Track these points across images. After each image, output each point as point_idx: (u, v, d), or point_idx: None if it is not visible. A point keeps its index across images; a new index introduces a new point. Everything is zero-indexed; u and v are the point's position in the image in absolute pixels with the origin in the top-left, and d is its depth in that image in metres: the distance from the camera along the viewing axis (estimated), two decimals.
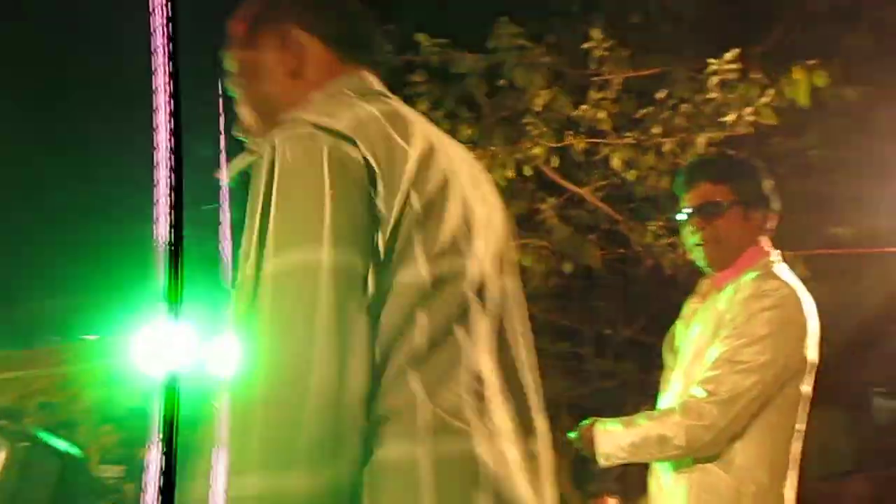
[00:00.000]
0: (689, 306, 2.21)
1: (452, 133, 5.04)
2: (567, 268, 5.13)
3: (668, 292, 5.45)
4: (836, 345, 6.48)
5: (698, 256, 2.10)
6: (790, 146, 5.22)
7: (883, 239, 5.08)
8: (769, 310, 1.94)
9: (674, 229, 5.05)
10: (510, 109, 5.04)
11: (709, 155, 2.75)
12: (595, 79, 4.67)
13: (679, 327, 2.23)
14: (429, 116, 5.07)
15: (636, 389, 6.56)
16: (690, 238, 2.10)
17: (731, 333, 1.95)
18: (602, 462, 2.04)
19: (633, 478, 6.16)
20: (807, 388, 2.03)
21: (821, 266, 5.57)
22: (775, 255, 2.08)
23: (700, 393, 1.94)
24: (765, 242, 2.10)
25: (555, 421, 5.25)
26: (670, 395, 2.13)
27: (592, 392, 6.33)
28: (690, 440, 1.91)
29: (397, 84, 5.25)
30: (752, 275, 2.01)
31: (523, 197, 5.41)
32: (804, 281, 5.19)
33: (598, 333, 6.09)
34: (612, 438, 2.00)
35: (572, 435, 2.10)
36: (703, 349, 2.03)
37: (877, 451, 8.57)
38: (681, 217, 2.13)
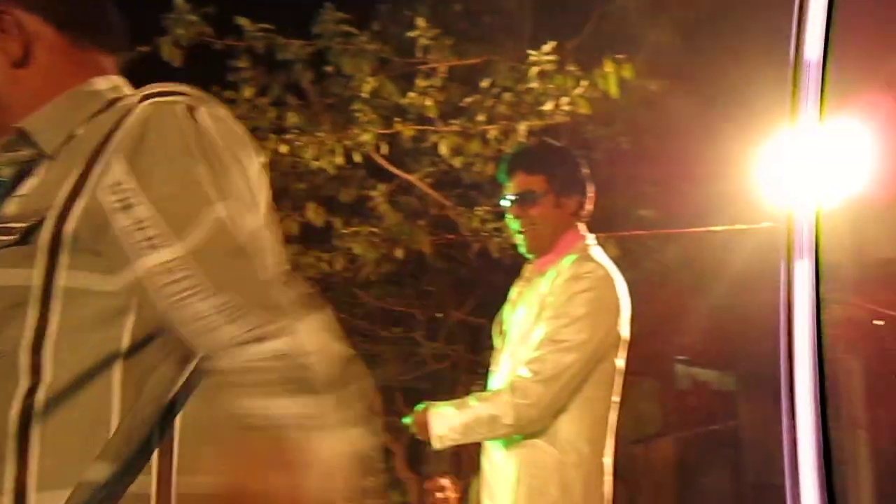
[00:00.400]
0: (515, 290, 2.28)
1: (279, 120, 4.93)
2: (398, 254, 5.17)
3: (496, 275, 5.67)
4: (643, 319, 7.05)
5: (520, 243, 2.18)
6: (601, 134, 5.57)
7: (684, 220, 5.55)
8: (586, 291, 2.04)
9: (500, 214, 5.24)
10: (337, 96, 4.99)
11: (526, 146, 2.87)
12: (421, 67, 4.73)
13: (506, 310, 2.30)
14: (255, 104, 4.96)
15: (467, 370, 6.77)
16: (512, 225, 2.19)
17: (552, 315, 2.04)
18: (436, 444, 2.06)
19: (466, 458, 6.36)
20: (621, 362, 2.17)
21: (630, 246, 6.02)
22: (591, 238, 2.17)
23: (526, 373, 2.02)
24: (581, 227, 2.19)
25: (390, 405, 5.28)
26: (500, 375, 2.20)
27: (426, 374, 6.45)
28: (518, 418, 1.98)
29: (220, 70, 5.04)
30: (570, 258, 2.12)
31: (353, 184, 5.39)
32: (615, 261, 5.57)
33: (430, 317, 6.20)
34: (445, 420, 2.04)
35: (407, 420, 2.13)
36: (528, 331, 2.11)
37: (679, 414, 9.42)
38: (504, 204, 2.21)
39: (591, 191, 2.21)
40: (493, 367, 2.27)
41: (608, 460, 2.14)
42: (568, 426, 2.04)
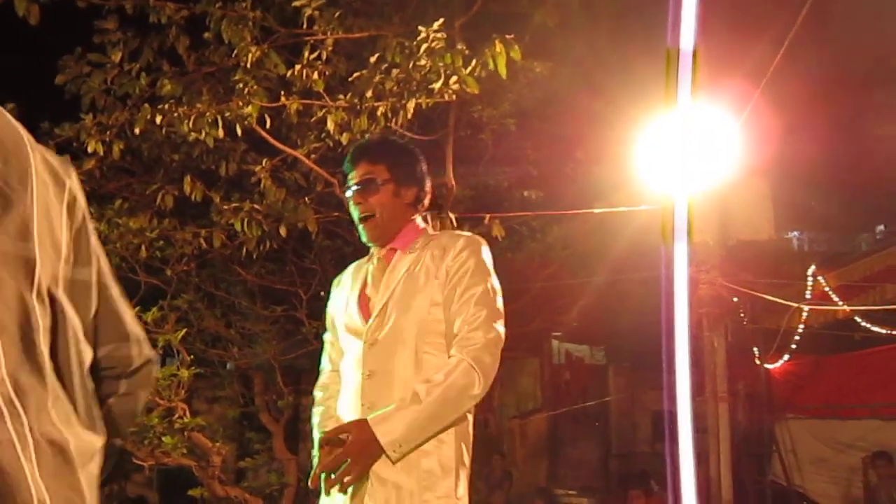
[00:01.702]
0: (359, 276, 2.30)
1: (153, 87, 4.63)
2: (282, 231, 5.01)
3: None
4: (527, 298, 7.24)
5: (361, 231, 2.25)
6: (489, 115, 5.60)
7: (566, 201, 5.70)
8: (474, 253, 2.16)
9: None
10: (217, 66, 4.74)
11: (370, 138, 2.94)
12: (308, 39, 4.56)
13: (343, 309, 2.30)
14: (124, 69, 4.63)
15: None
16: (354, 213, 2.25)
17: (460, 281, 2.13)
18: (395, 454, 1.98)
19: None
20: None
21: (514, 226, 6.14)
22: (430, 230, 2.29)
23: (468, 337, 2.09)
24: (420, 221, 2.29)
25: (270, 384, 5.10)
26: (370, 357, 2.17)
27: (307, 353, 6.33)
28: (487, 377, 2.10)
29: (84, 31, 4.66)
30: (428, 238, 2.23)
31: (234, 158, 5.17)
32: (500, 240, 5.64)
33: (314, 295, 6.08)
34: (397, 424, 1.98)
35: (318, 456, 2.03)
36: (411, 306, 2.14)
37: (555, 390, 9.78)
38: (348, 194, 2.26)
39: (429, 186, 2.31)
40: (364, 344, 2.16)
41: None
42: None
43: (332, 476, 1.96)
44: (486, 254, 2.18)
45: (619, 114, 5.28)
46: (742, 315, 6.00)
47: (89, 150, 4.49)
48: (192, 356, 5.39)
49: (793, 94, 4.59)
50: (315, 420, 2.22)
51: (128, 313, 1.23)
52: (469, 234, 2.25)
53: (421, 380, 2.03)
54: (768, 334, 6.12)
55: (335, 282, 2.36)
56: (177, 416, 5.04)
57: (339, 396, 2.18)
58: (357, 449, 1.94)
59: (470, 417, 2.17)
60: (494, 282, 2.16)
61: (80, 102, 4.71)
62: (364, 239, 2.25)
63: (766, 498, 6.21)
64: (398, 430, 1.95)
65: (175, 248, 5.23)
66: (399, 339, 2.10)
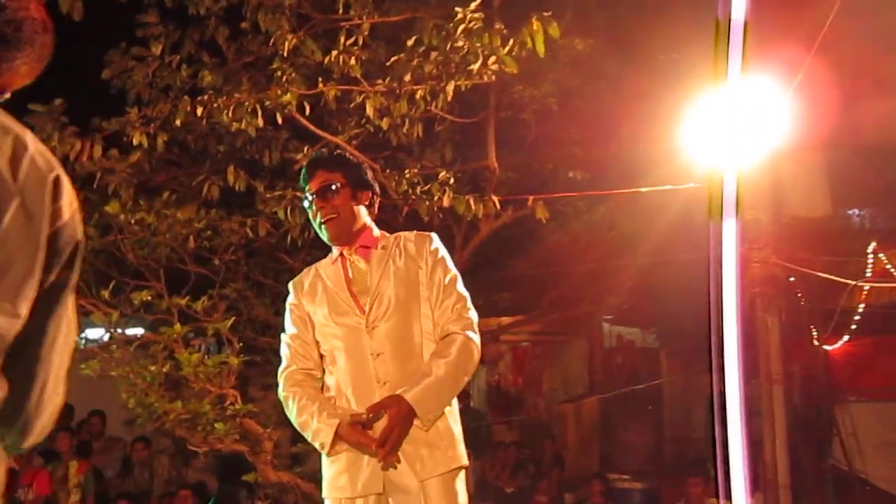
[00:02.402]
0: (350, 262, 2.55)
1: (194, 80, 4.68)
2: None
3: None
4: (572, 280, 7.14)
5: (324, 234, 2.49)
6: (531, 95, 5.50)
7: (611, 181, 5.57)
8: (438, 248, 2.51)
9: (429, 177, 5.15)
10: (256, 55, 4.77)
11: (321, 152, 3.08)
12: (343, 24, 4.55)
13: (328, 303, 2.55)
14: (165, 61, 4.69)
15: None
16: (317, 218, 2.48)
17: (435, 273, 2.45)
18: (429, 424, 2.32)
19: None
20: None
21: (559, 208, 6.04)
22: (385, 238, 2.53)
23: (457, 315, 2.46)
24: (373, 225, 2.55)
25: None
26: (373, 339, 2.46)
27: None
28: (478, 351, 2.51)
29: (127, 25, 4.74)
30: (395, 238, 2.51)
31: (276, 147, 5.20)
32: (544, 223, 5.56)
33: None
34: (430, 398, 2.32)
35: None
36: (401, 289, 2.44)
37: (605, 374, 9.64)
38: (306, 204, 2.52)
39: (377, 189, 2.59)
40: (365, 329, 2.42)
41: None
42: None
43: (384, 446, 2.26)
44: (441, 247, 2.49)
45: (665, 89, 5.13)
46: (798, 295, 5.79)
47: (134, 142, 4.57)
48: (242, 344, 5.46)
49: (848, 59, 4.37)
50: (313, 409, 2.41)
51: None
52: (421, 231, 2.55)
53: (432, 355, 2.36)
54: (826, 315, 5.90)
55: (296, 285, 2.61)
56: (228, 402, 5.12)
57: (342, 379, 2.44)
58: (400, 420, 2.25)
59: None
60: (456, 277, 2.48)
61: (126, 97, 4.81)
62: (327, 238, 2.50)
63: (826, 483, 6.01)
64: (430, 402, 2.28)
65: (222, 238, 5.30)
66: (399, 321, 2.40)
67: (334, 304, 2.46)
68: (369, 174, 2.57)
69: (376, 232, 2.53)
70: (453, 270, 2.46)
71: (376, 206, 2.59)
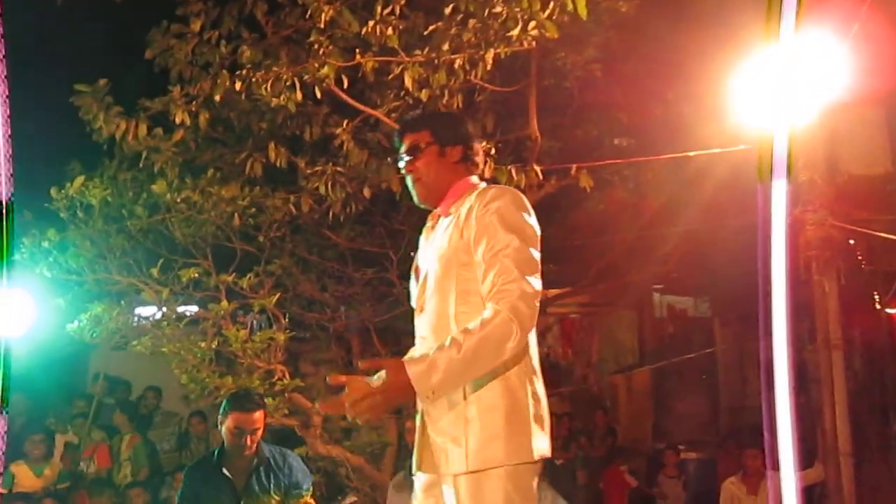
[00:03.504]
0: (423, 237, 2.45)
1: (234, 55, 4.69)
2: (366, 192, 5.02)
3: None
4: (620, 250, 7.00)
5: (414, 195, 2.39)
6: (573, 61, 5.38)
7: (658, 146, 5.43)
8: (500, 198, 2.21)
9: None
10: (295, 28, 4.75)
11: (410, 113, 2.94)
12: None
13: (419, 256, 2.44)
14: (205, 39, 4.70)
15: None
16: (407, 181, 2.40)
17: (485, 233, 2.16)
18: (428, 399, 2.03)
19: None
20: None
21: (605, 176, 5.91)
22: (482, 186, 2.33)
23: (500, 291, 2.09)
24: (473, 178, 2.37)
25: (366, 346, 5.13)
26: (425, 317, 2.28)
27: (401, 314, 6.36)
28: (523, 328, 2.10)
29: (167, 3, 4.77)
30: (472, 194, 2.28)
31: (316, 122, 5.19)
32: (589, 191, 5.43)
33: (403, 256, 6.08)
34: (432, 372, 2.02)
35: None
36: (448, 265, 2.22)
37: (657, 344, 9.49)
38: (400, 165, 2.40)
39: (476, 143, 2.41)
40: (416, 312, 2.32)
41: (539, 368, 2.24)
42: None
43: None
44: (516, 203, 2.19)
45: (714, 47, 4.94)
46: (859, 257, 5.58)
47: (176, 120, 4.61)
48: (289, 320, 5.51)
49: None
50: None
51: None
52: (500, 186, 2.34)
53: (460, 330, 2.05)
54: (889, 277, 5.67)
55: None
56: (276, 377, 5.18)
57: None
58: (389, 388, 1.98)
59: (524, 368, 2.15)
60: (528, 231, 2.16)
61: (169, 75, 4.85)
62: (416, 201, 2.40)
63: (891, 451, 5.82)
64: (433, 378, 1.97)
65: (267, 215, 5.33)
66: (438, 304, 2.20)
67: (413, 272, 2.40)
68: (462, 127, 2.41)
69: (466, 190, 2.29)
70: (511, 234, 2.12)
71: (477, 158, 2.39)
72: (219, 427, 3.74)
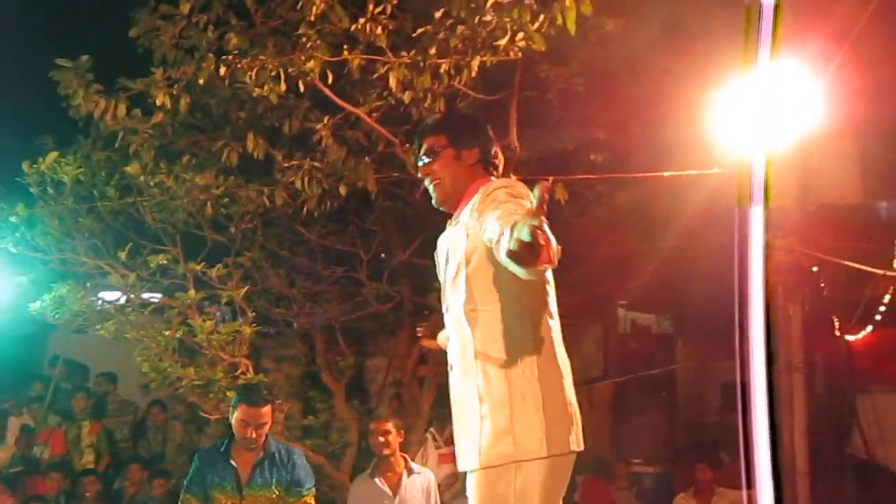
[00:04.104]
0: (442, 238, 2.45)
1: (220, 42, 4.64)
2: (342, 190, 5.00)
3: (443, 217, 5.55)
4: (590, 264, 7.06)
5: (432, 198, 2.42)
6: (557, 74, 5.43)
7: (634, 165, 5.50)
8: (500, 188, 2.19)
9: None
10: (283, 19, 4.72)
11: (433, 115, 2.96)
12: None
13: (439, 258, 2.45)
14: (193, 22, 4.65)
15: (411, 312, 6.69)
16: (426, 184, 2.42)
17: (484, 215, 2.11)
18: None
19: (409, 403, 6.33)
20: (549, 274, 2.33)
21: (578, 190, 5.96)
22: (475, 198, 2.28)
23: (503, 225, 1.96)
24: (490, 180, 2.33)
25: (331, 345, 5.11)
26: (449, 316, 2.32)
27: (368, 315, 6.35)
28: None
29: None
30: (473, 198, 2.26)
31: (297, 115, 5.16)
32: (563, 204, 5.48)
33: (374, 257, 6.07)
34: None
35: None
36: (458, 266, 2.25)
37: (620, 358, 9.59)
38: (419, 172, 2.43)
39: (494, 144, 2.43)
40: (444, 313, 2.35)
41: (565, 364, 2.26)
42: (511, 338, 2.16)
43: None
44: (506, 188, 2.17)
45: (694, 72, 5.04)
46: (822, 284, 5.71)
47: (157, 102, 4.55)
48: (255, 314, 5.47)
49: (883, 46, 4.27)
50: None
51: None
52: (499, 179, 2.33)
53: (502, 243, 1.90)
54: (850, 305, 5.82)
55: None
56: (240, 371, 5.13)
57: None
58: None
59: (540, 364, 2.17)
60: (513, 200, 2.08)
61: (152, 57, 4.78)
62: (434, 204, 2.42)
63: (844, 471, 5.96)
64: None
65: (240, 206, 5.28)
66: (455, 305, 2.23)
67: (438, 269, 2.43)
68: (480, 128, 2.44)
69: (473, 194, 2.26)
70: (503, 198, 2.10)
71: (496, 160, 2.40)
72: (229, 417, 3.89)
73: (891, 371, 6.22)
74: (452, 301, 2.26)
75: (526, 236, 1.70)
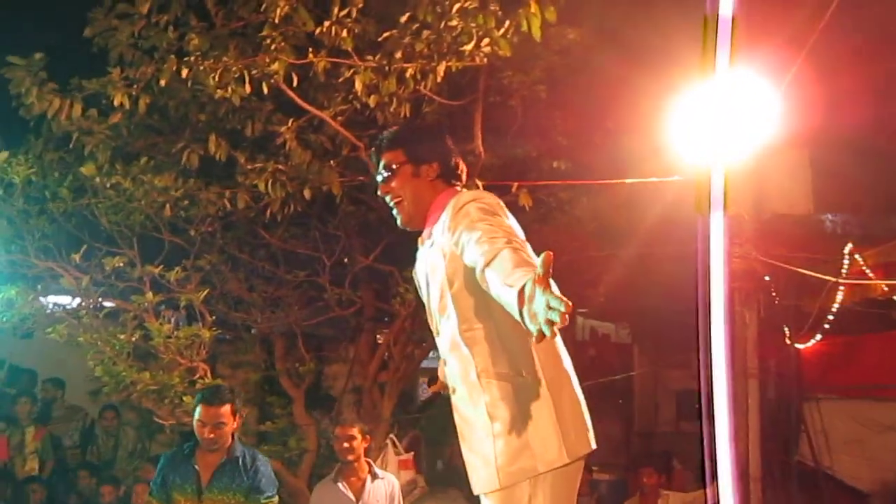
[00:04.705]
0: (419, 258, 2.37)
1: (180, 43, 4.57)
2: (306, 194, 4.95)
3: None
4: (553, 272, 7.10)
5: (397, 218, 2.33)
6: (520, 81, 5.47)
7: (596, 172, 5.57)
8: (472, 201, 2.13)
9: None
10: (245, 21, 4.67)
11: (385, 132, 2.96)
12: None
13: (418, 279, 2.38)
14: (152, 22, 4.57)
15: (372, 318, 6.65)
16: (386, 201, 2.33)
17: (459, 232, 2.06)
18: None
19: (369, 408, 6.28)
20: None
21: (541, 196, 6.01)
22: (453, 199, 2.23)
23: (490, 251, 1.90)
24: (453, 192, 2.27)
25: (291, 350, 5.05)
26: (441, 346, 2.27)
27: (329, 320, 6.29)
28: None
29: None
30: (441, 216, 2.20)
31: (260, 118, 5.10)
32: (527, 211, 5.51)
33: (336, 261, 6.02)
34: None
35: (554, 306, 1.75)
36: (436, 292, 2.21)
37: (577, 366, 9.68)
38: (378, 183, 2.34)
39: (454, 154, 2.33)
40: (435, 335, 2.31)
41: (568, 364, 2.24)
42: (512, 350, 2.11)
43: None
44: (475, 201, 2.10)
45: (653, 82, 5.13)
46: (773, 294, 5.85)
47: (115, 103, 4.45)
48: (214, 318, 5.37)
49: (836, 59, 4.41)
50: None
51: None
52: (466, 192, 2.22)
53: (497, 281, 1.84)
54: (799, 313, 5.98)
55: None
56: (198, 375, 5.03)
57: None
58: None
59: (545, 372, 2.13)
60: (497, 220, 2.05)
61: (108, 56, 4.67)
62: (400, 225, 2.33)
63: (792, 478, 6.10)
64: None
65: (199, 209, 5.19)
66: (447, 328, 2.17)
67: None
68: (438, 141, 2.35)
69: (444, 204, 2.19)
70: (475, 216, 2.03)
71: (458, 171, 2.31)
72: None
73: (838, 378, 6.40)
74: (444, 325, 2.20)
75: (555, 317, 1.61)
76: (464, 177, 2.35)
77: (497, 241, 1.89)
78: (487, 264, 1.85)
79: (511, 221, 2.15)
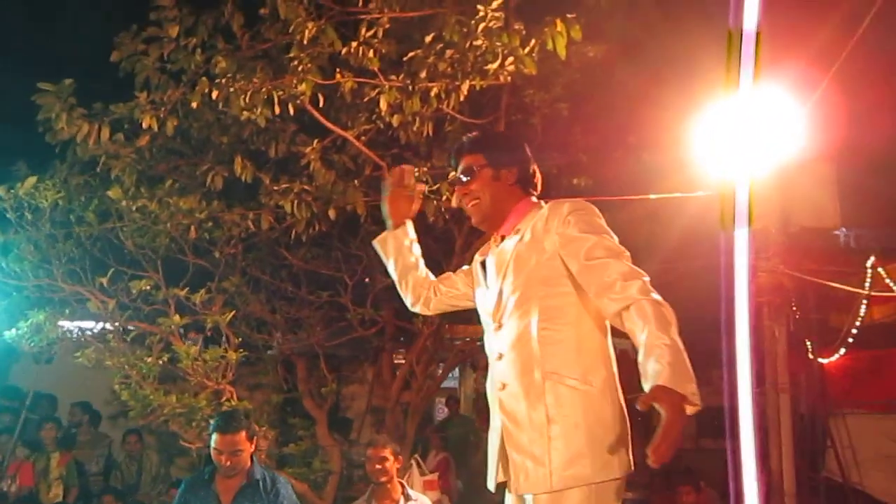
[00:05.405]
0: (476, 264, 2.46)
1: (207, 65, 4.59)
2: (331, 214, 4.95)
3: (428, 240, 5.53)
4: None
5: (471, 217, 2.41)
6: (541, 98, 5.48)
7: (617, 188, 5.56)
8: (578, 210, 2.28)
9: (436, 177, 5.09)
10: (272, 42, 4.69)
11: (466, 135, 3.01)
12: (364, 16, 4.49)
13: (486, 268, 2.41)
14: (180, 45, 4.59)
15: (393, 337, 6.63)
16: (463, 204, 2.41)
17: (569, 242, 2.18)
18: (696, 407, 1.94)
19: (392, 428, 6.24)
20: None
21: None
22: (547, 204, 2.36)
23: (621, 288, 2.06)
24: (535, 199, 2.40)
25: (313, 370, 5.01)
26: (503, 332, 2.27)
27: (350, 341, 6.27)
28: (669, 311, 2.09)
29: (141, 5, 4.63)
30: (540, 211, 2.30)
31: (284, 139, 5.12)
32: None
33: (358, 282, 6.01)
34: (680, 377, 1.95)
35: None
36: (519, 284, 2.24)
37: None
38: (457, 187, 2.43)
39: (532, 162, 2.43)
40: (493, 328, 2.33)
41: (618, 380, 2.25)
42: (586, 357, 2.16)
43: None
44: (587, 210, 2.25)
45: (676, 97, 5.14)
46: (794, 308, 5.82)
47: (144, 125, 4.46)
48: (238, 339, 5.36)
49: (863, 74, 4.42)
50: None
51: None
52: (570, 199, 2.32)
53: (632, 334, 2.00)
54: (823, 327, 5.94)
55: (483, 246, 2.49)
56: (224, 398, 5.01)
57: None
58: (679, 420, 1.89)
59: (609, 383, 2.19)
60: (608, 235, 2.20)
61: (134, 81, 4.69)
62: (474, 223, 2.41)
63: (820, 494, 6.04)
64: (691, 381, 1.92)
65: (223, 230, 5.19)
66: (518, 322, 2.18)
67: (482, 293, 2.40)
68: (517, 148, 2.42)
69: (528, 210, 2.32)
70: (593, 236, 2.16)
71: (534, 179, 2.41)
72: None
73: (865, 393, 6.35)
74: (513, 319, 2.22)
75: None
76: (539, 186, 2.43)
77: (631, 285, 2.02)
78: (625, 309, 2.01)
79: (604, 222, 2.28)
